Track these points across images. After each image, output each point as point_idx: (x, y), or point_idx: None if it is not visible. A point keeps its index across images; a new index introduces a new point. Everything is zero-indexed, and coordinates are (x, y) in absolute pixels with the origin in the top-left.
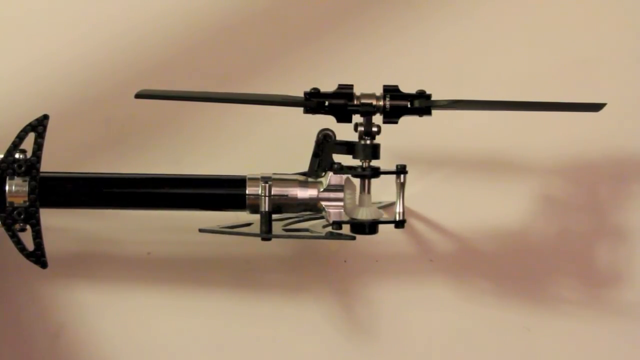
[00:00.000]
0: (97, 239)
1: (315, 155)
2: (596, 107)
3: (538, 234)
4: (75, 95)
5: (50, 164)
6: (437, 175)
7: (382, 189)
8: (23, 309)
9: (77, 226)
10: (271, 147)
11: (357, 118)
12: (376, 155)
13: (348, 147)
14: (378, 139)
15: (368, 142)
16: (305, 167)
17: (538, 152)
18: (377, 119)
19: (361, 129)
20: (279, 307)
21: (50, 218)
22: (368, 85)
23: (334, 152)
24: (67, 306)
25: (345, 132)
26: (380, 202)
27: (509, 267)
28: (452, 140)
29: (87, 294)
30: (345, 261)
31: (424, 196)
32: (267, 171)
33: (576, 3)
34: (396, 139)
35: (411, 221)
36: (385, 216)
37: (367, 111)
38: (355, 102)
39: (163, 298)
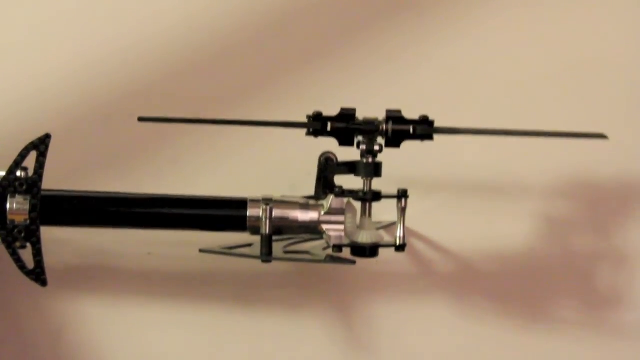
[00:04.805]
0: (97, 249)
1: (320, 179)
2: (600, 137)
3: (539, 255)
4: (77, 113)
5: (51, 181)
6: (439, 195)
7: (384, 205)
8: (23, 316)
9: (77, 236)
10: (273, 166)
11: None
12: (378, 173)
13: (350, 168)
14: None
15: (370, 160)
16: (307, 187)
17: (540, 173)
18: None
19: (363, 147)
20: (279, 323)
21: (51, 228)
22: (371, 108)
23: (337, 174)
24: (66, 315)
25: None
26: (380, 222)
27: (510, 288)
28: (454, 160)
29: (86, 304)
30: (345, 279)
31: (425, 216)
32: (268, 191)
33: (583, 18)
34: (398, 159)
35: (412, 241)
36: (385, 239)
37: (369, 130)
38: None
39: (164, 312)
